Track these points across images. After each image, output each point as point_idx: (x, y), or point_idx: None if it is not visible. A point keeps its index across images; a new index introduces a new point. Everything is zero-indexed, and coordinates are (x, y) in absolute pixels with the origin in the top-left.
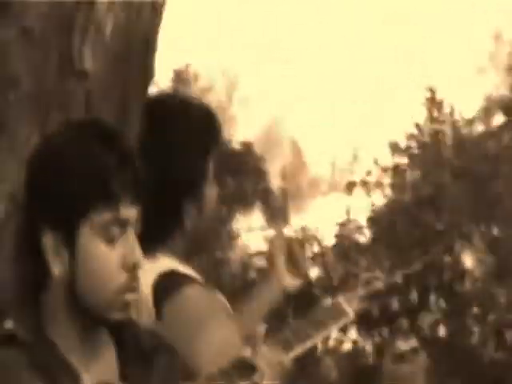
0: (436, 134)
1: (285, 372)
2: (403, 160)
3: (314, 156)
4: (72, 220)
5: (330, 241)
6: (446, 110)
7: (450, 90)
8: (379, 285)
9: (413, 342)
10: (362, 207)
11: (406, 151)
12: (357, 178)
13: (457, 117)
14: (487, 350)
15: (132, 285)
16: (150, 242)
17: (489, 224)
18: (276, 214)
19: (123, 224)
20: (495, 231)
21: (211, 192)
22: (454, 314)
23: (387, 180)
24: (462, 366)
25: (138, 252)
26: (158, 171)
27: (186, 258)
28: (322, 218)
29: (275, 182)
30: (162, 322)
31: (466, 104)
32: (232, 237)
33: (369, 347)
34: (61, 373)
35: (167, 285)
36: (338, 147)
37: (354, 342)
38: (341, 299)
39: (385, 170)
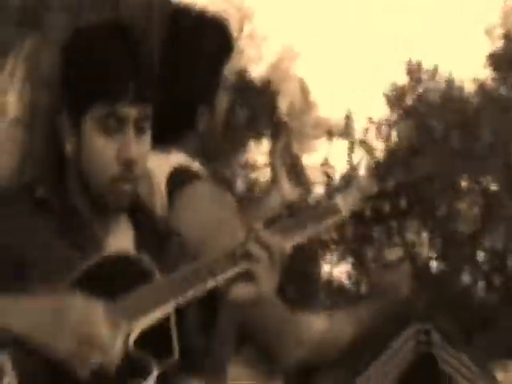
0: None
1: (283, 257)
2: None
3: (321, 97)
4: (78, 107)
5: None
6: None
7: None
8: (373, 188)
9: (399, 252)
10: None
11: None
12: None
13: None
14: (477, 291)
15: (127, 176)
16: (165, 138)
17: (480, 175)
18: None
19: (121, 120)
20: (485, 181)
21: (223, 100)
22: (446, 252)
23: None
24: (453, 305)
25: (134, 148)
26: (176, 75)
27: (197, 159)
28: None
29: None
30: (174, 211)
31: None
32: (242, 161)
33: (361, 278)
34: (85, 239)
35: (180, 178)
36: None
37: (349, 275)
38: (337, 198)
39: (379, 125)
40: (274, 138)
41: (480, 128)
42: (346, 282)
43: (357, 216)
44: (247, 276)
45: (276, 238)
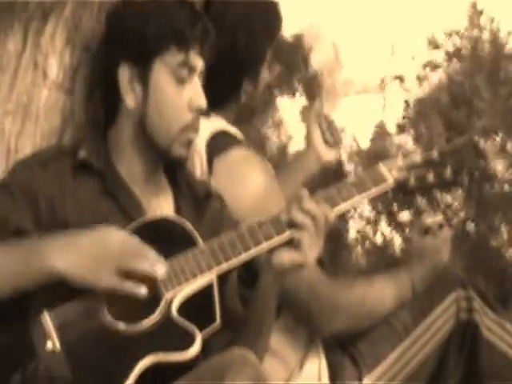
0: (475, 40)
1: (329, 225)
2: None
3: (349, 56)
4: (148, 56)
5: (363, 140)
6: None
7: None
8: (417, 157)
9: (439, 218)
10: (395, 108)
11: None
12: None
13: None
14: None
15: (195, 125)
16: (209, 105)
17: None
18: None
19: (191, 69)
20: None
21: (265, 73)
22: (482, 213)
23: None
24: (485, 264)
25: (203, 97)
26: (226, 51)
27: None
28: (356, 117)
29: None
30: (213, 175)
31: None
32: (273, 117)
33: (397, 240)
34: (126, 200)
35: (220, 142)
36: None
37: (384, 235)
38: (381, 166)
39: (425, 66)
40: (308, 94)
41: None
42: (379, 242)
43: (400, 185)
44: (291, 243)
45: (321, 207)
